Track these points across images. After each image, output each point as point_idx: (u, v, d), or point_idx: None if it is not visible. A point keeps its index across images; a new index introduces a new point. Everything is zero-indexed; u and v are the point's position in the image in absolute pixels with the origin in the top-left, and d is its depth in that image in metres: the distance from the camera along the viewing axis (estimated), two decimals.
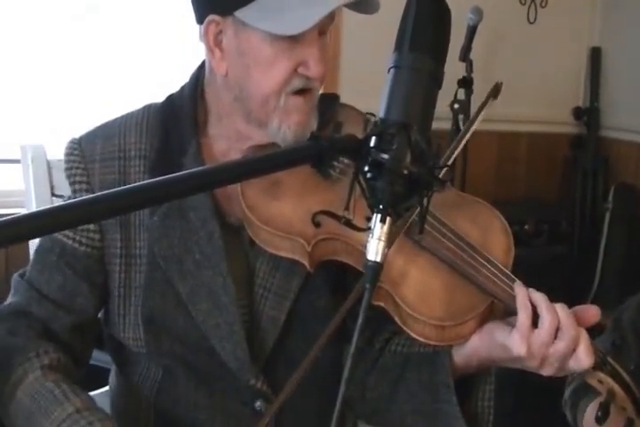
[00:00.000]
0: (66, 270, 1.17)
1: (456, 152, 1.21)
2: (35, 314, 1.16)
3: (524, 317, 1.04)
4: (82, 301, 1.18)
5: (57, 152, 1.35)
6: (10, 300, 1.19)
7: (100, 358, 1.63)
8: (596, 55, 3.11)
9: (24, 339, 1.13)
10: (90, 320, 1.20)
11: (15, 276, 1.21)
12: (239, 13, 1.06)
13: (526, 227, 2.88)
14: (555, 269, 2.88)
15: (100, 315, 1.24)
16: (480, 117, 1.23)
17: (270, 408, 1.02)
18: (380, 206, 0.76)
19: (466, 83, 2.64)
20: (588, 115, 3.11)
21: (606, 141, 3.10)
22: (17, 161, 1.64)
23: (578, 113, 3.14)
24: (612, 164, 3.09)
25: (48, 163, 1.44)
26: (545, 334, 1.03)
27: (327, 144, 0.77)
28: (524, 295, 1.05)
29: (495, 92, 1.27)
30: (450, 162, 1.20)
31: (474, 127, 1.23)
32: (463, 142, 1.23)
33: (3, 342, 1.13)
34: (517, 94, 2.98)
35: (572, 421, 1.41)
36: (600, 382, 1.09)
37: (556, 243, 2.97)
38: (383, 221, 0.76)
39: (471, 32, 2.61)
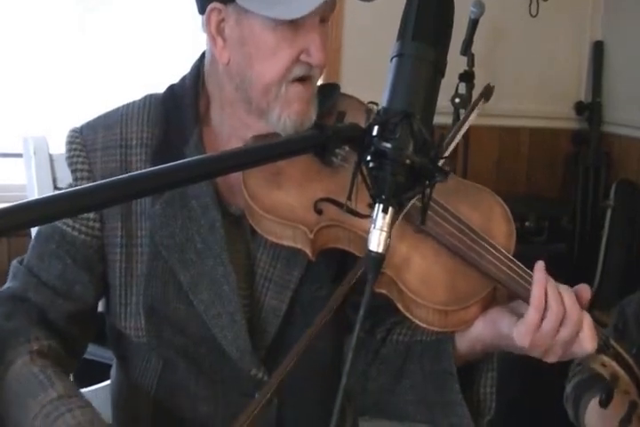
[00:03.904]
0: (65, 258, 1.17)
1: (446, 154, 1.21)
2: (32, 300, 1.16)
3: (534, 314, 1.03)
4: (80, 289, 1.17)
5: (59, 146, 1.35)
6: (8, 285, 1.19)
7: (101, 354, 1.63)
8: (598, 49, 3.10)
9: (18, 323, 1.13)
10: (87, 309, 1.20)
11: (14, 262, 1.21)
12: (241, 1, 1.07)
13: (527, 223, 2.88)
14: (555, 266, 2.85)
15: (100, 307, 1.24)
16: (470, 119, 1.23)
17: (267, 385, 1.00)
18: (383, 196, 0.76)
19: (467, 77, 2.64)
20: (590, 110, 3.10)
21: (608, 137, 3.09)
22: (19, 155, 1.64)
23: (580, 108, 3.13)
24: (613, 159, 3.08)
25: (50, 156, 1.44)
26: (550, 326, 1.03)
27: (331, 133, 0.77)
28: (540, 294, 1.04)
29: (487, 94, 1.26)
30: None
31: (464, 130, 1.23)
32: (454, 143, 1.22)
33: None
34: (519, 89, 2.98)
35: (572, 417, 1.40)
36: (603, 365, 1.10)
37: (557, 240, 2.96)
38: (385, 211, 0.76)
39: (473, 26, 2.61)
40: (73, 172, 1.19)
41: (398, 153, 0.75)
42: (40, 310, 1.16)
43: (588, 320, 1.05)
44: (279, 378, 0.91)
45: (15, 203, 0.62)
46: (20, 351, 1.10)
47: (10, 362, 1.09)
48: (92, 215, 1.17)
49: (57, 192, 0.65)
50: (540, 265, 1.07)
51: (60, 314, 1.17)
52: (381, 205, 0.76)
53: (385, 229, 0.75)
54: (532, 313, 1.03)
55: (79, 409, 1.04)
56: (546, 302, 1.04)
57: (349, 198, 0.80)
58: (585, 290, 1.09)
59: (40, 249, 1.19)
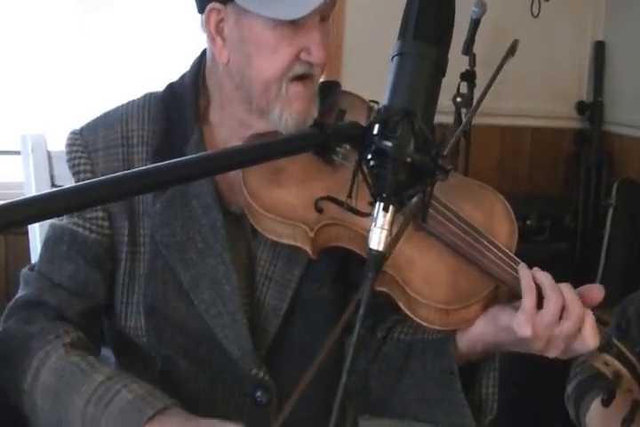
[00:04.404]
0: (77, 259, 1.16)
1: (469, 122, 1.21)
2: (49, 303, 1.15)
3: (528, 298, 1.03)
4: (93, 288, 1.17)
5: (58, 143, 1.34)
6: (21, 293, 1.18)
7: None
8: (599, 49, 3.10)
9: (41, 325, 1.12)
10: (100, 308, 1.20)
11: (24, 270, 1.20)
12: (240, 1, 1.06)
13: (529, 222, 2.87)
14: (557, 265, 2.85)
15: None
16: (497, 77, 1.22)
17: (284, 410, 1.01)
18: (383, 195, 0.76)
19: (469, 76, 2.63)
20: (592, 109, 3.09)
21: (610, 136, 3.08)
22: (17, 152, 1.63)
23: (581, 107, 3.12)
24: (615, 159, 3.08)
25: (48, 153, 1.43)
26: (550, 314, 1.03)
27: (331, 132, 0.77)
28: (528, 277, 1.05)
29: (513, 49, 1.26)
30: (466, 127, 1.20)
31: (490, 89, 1.22)
32: (478, 108, 1.22)
33: (20, 332, 1.12)
34: (520, 88, 2.98)
35: (574, 417, 1.40)
36: (606, 364, 1.10)
37: (559, 239, 2.96)
38: (386, 209, 0.76)
39: (474, 25, 2.60)
40: (75, 174, 1.18)
41: (399, 151, 0.75)
42: (57, 312, 1.15)
43: (590, 317, 1.05)
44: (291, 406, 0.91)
45: (12, 200, 0.62)
46: (53, 347, 1.09)
47: (42, 362, 1.08)
48: (100, 214, 1.17)
49: (55, 189, 0.65)
50: (521, 264, 1.08)
51: (77, 313, 1.16)
52: (382, 204, 0.76)
53: (386, 227, 0.75)
54: (526, 298, 1.03)
55: (134, 383, 1.03)
56: (543, 293, 1.04)
57: (350, 196, 0.80)
58: (597, 290, 1.08)
59: (50, 253, 1.18)
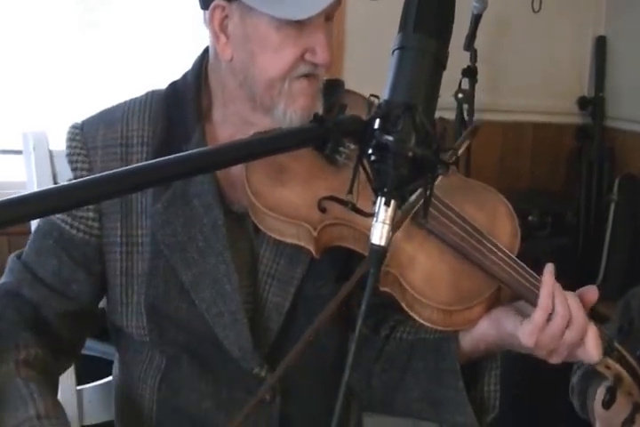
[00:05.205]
0: (62, 256, 1.16)
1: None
2: (26, 296, 1.15)
3: (540, 314, 1.03)
4: (77, 288, 1.17)
5: (60, 142, 1.34)
6: (3, 279, 1.18)
7: (102, 349, 1.62)
8: (601, 44, 3.08)
9: (8, 325, 1.13)
10: (84, 309, 1.19)
11: (12, 256, 1.21)
12: None
13: (530, 218, 2.87)
14: (559, 261, 2.83)
15: (102, 304, 1.23)
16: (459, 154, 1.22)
17: (272, 376, 1.00)
18: (385, 189, 0.75)
19: (470, 72, 2.62)
20: (593, 105, 3.08)
21: (611, 132, 3.07)
22: (19, 152, 1.63)
23: (583, 103, 3.11)
24: (617, 154, 3.07)
25: (50, 151, 1.42)
26: (556, 328, 1.03)
27: (331, 126, 0.76)
28: (548, 293, 1.04)
29: (473, 133, 1.26)
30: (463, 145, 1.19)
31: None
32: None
33: None
34: (521, 84, 2.97)
35: (578, 408, 1.40)
36: (607, 367, 1.10)
37: (561, 234, 2.95)
38: (387, 204, 0.75)
39: (475, 21, 2.59)
40: (73, 170, 1.19)
41: (400, 146, 0.75)
42: (33, 307, 1.15)
43: (593, 330, 1.05)
44: (279, 374, 0.90)
45: (10, 197, 0.61)
46: (7, 357, 1.08)
47: None
48: (91, 214, 1.17)
49: (53, 186, 0.64)
50: (549, 268, 1.07)
51: (54, 312, 1.16)
52: (383, 199, 0.75)
53: (387, 222, 0.74)
54: (538, 314, 1.03)
55: None
56: (553, 304, 1.04)
57: (350, 192, 0.79)
58: (592, 292, 1.09)
59: (38, 245, 1.18)
